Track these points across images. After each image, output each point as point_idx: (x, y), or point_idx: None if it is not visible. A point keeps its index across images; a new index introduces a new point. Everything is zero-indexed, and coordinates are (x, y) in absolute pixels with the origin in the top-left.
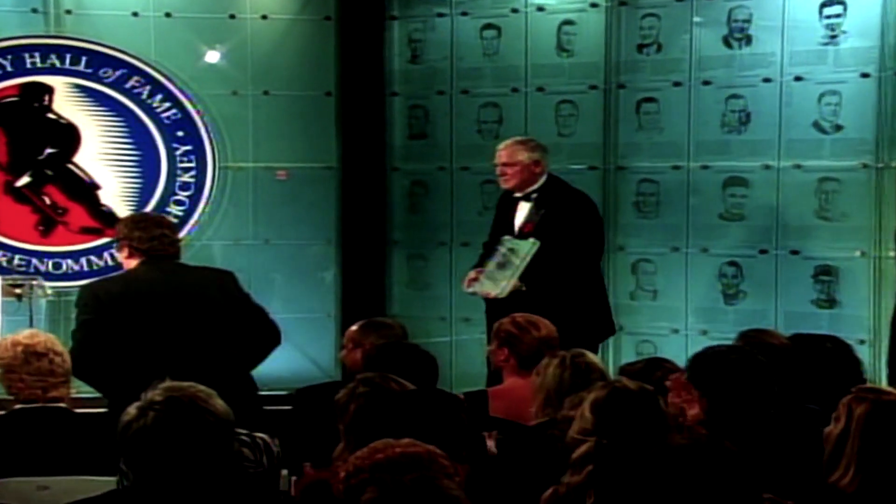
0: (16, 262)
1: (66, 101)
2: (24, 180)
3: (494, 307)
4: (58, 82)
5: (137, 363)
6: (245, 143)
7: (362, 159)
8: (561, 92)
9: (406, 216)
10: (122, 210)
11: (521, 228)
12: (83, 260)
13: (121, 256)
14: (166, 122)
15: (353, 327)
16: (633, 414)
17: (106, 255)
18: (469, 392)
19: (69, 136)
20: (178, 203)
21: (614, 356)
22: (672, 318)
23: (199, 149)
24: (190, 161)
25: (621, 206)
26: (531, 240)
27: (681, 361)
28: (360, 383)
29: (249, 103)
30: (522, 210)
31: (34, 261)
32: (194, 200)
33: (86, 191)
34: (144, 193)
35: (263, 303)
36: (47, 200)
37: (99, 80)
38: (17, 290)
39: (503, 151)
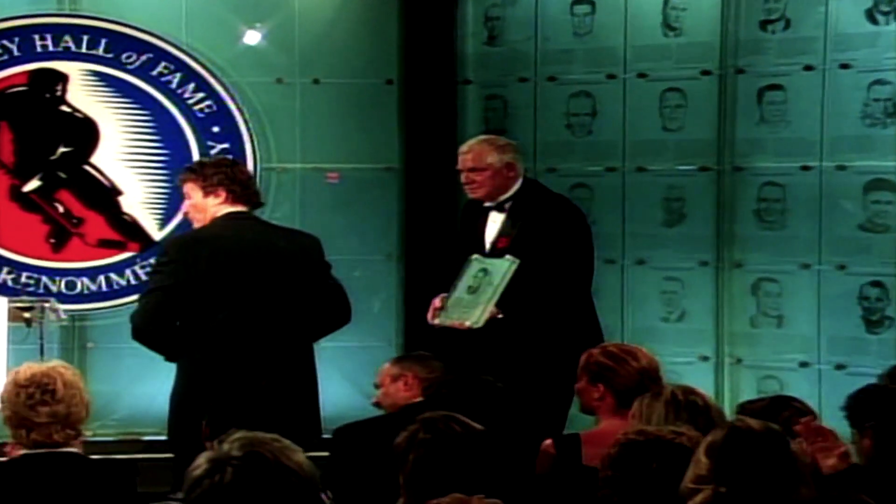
0: (23, 280)
1: (83, 92)
2: (34, 185)
3: (465, 341)
4: (73, 69)
5: (211, 331)
6: (291, 140)
7: (429, 159)
8: (667, 78)
9: None
10: (147, 219)
11: (493, 244)
12: (101, 278)
13: (205, 203)
14: (199, 115)
15: (386, 364)
16: (758, 459)
17: (128, 272)
18: (558, 436)
19: (86, 133)
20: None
21: (731, 393)
22: (801, 348)
23: (238, 147)
24: None
25: (739, 214)
26: (508, 258)
27: (812, 401)
28: (421, 427)
29: (297, 93)
30: (494, 222)
31: (44, 279)
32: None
33: (105, 197)
34: (173, 199)
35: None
36: (60, 208)
37: (121, 67)
38: (26, 315)
39: (468, 155)
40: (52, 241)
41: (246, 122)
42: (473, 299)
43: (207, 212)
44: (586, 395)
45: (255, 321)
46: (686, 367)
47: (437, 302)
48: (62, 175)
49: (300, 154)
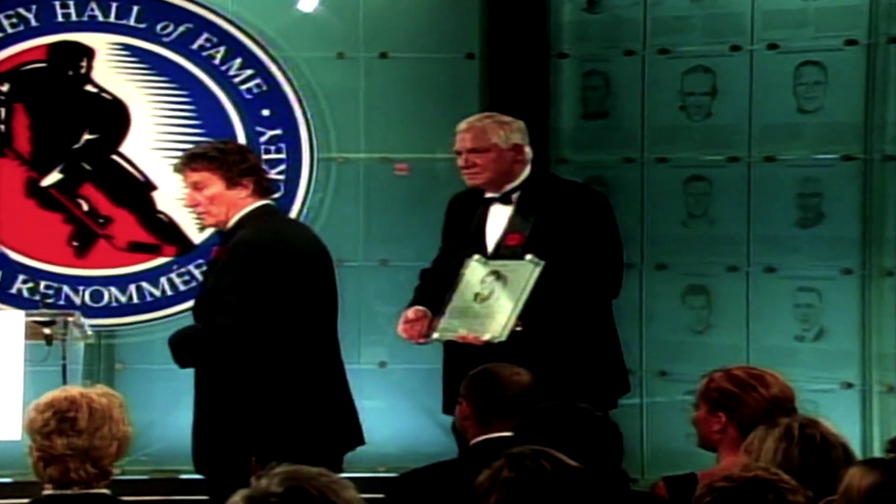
0: (42, 290)
1: (111, 69)
2: (54, 178)
3: (466, 357)
4: (100, 42)
5: (268, 352)
6: (354, 125)
7: None
8: (804, 50)
9: None
10: (186, 219)
11: (500, 243)
12: (132, 288)
13: (229, 196)
14: (247, 96)
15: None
16: None
17: (163, 281)
18: (671, 477)
19: (114, 117)
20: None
21: (881, 426)
22: None
23: (292, 133)
24: (279, 150)
25: (890, 212)
26: (530, 258)
27: None
28: (506, 464)
29: (361, 70)
30: (498, 217)
31: (66, 289)
32: (283, 205)
33: (137, 192)
34: None
35: (377, 349)
36: (84, 206)
37: (155, 39)
38: (46, 331)
39: (468, 133)
40: (75, 244)
41: (301, 104)
42: (487, 309)
43: (230, 206)
44: (705, 427)
45: (315, 339)
46: (826, 395)
47: (409, 314)
48: (87, 167)
49: (364, 142)
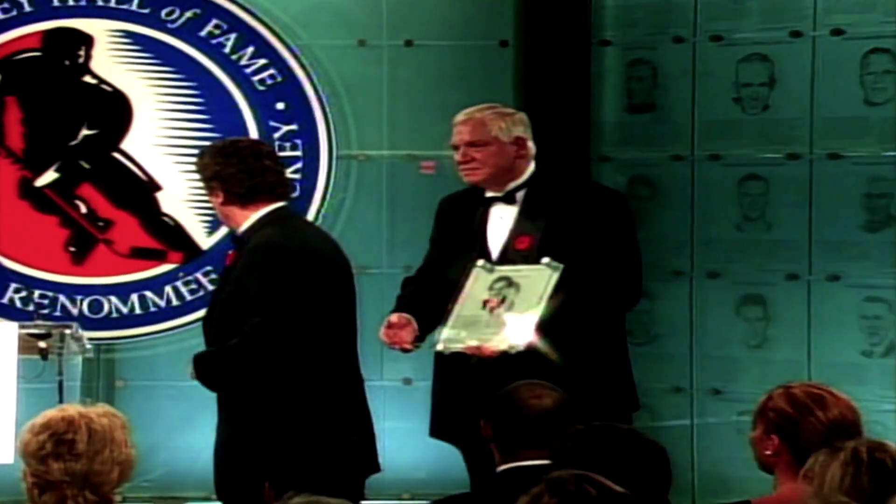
0: (36, 300)
1: (112, 58)
2: (49, 177)
3: (460, 371)
4: (99, 29)
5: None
6: (377, 119)
7: (555, 146)
8: (871, 36)
9: None
10: (193, 222)
11: (507, 246)
12: (134, 297)
13: (224, 207)
14: (260, 88)
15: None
16: None
17: (169, 290)
18: None
19: (115, 111)
20: None
21: None
22: None
23: (309, 128)
24: (294, 147)
25: None
26: (546, 262)
27: None
28: (546, 490)
29: (384, 59)
30: (501, 217)
31: (63, 298)
32: (299, 207)
33: (140, 193)
34: None
35: (401, 364)
36: (83, 208)
37: (160, 26)
38: (41, 344)
39: (466, 126)
40: (73, 249)
41: (319, 96)
42: (499, 317)
43: (239, 214)
44: (759, 448)
45: (334, 353)
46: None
47: (393, 318)
48: (85, 165)
49: (388, 138)
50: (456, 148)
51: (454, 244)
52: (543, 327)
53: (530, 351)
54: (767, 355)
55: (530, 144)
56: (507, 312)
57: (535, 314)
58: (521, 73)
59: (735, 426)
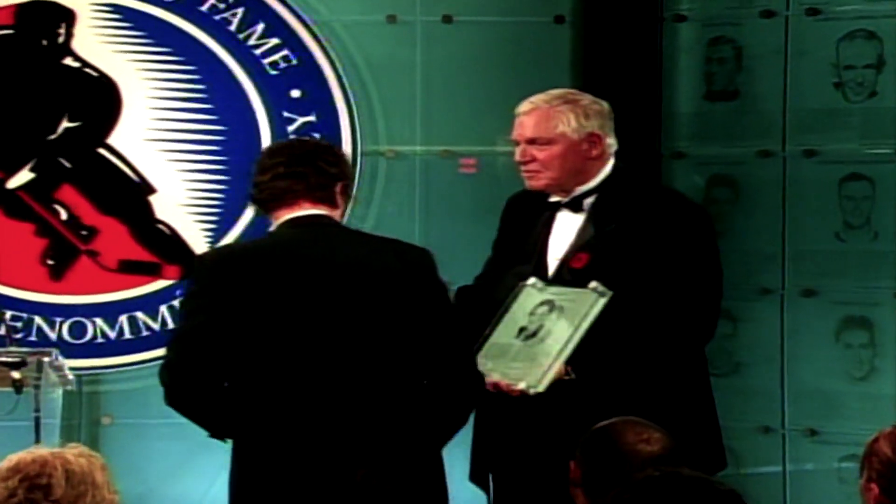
0: (8, 321)
1: (97, 37)
2: (24, 178)
3: (500, 408)
4: (82, 2)
5: (274, 396)
6: (409, 109)
7: (620, 141)
8: None
9: None
10: (193, 231)
11: (563, 264)
12: (123, 319)
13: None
14: (272, 72)
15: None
16: None
17: (164, 310)
18: None
19: (101, 100)
20: None
21: None
22: None
23: (329, 120)
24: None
25: None
26: (594, 286)
27: None
28: None
29: (418, 38)
30: (565, 229)
31: (39, 321)
32: None
33: (130, 196)
34: (231, 199)
35: None
36: (63, 213)
37: (155, 0)
38: (15, 374)
39: (529, 118)
40: (51, 262)
41: (341, 82)
42: (530, 349)
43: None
44: (865, 495)
45: (340, 380)
46: None
47: None
48: (66, 163)
49: (421, 131)
50: (517, 143)
51: (514, 252)
52: (584, 362)
53: (580, 391)
54: (874, 389)
55: (609, 142)
56: (539, 343)
57: (565, 348)
58: (580, 55)
59: (836, 474)
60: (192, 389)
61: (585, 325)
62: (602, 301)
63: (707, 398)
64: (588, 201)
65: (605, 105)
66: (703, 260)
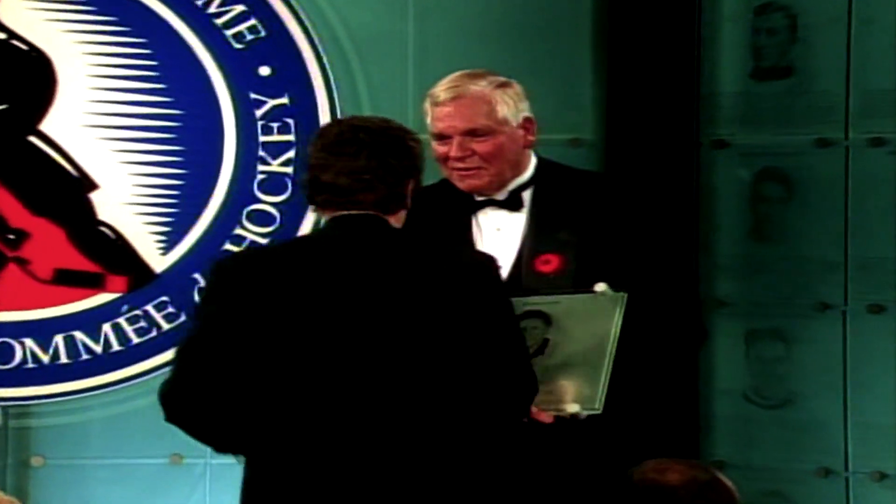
0: None
1: (27, 4)
2: None
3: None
4: None
5: (282, 421)
6: (399, 90)
7: (650, 126)
8: None
9: (746, 245)
10: (142, 235)
11: (523, 268)
12: (59, 340)
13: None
14: (236, 46)
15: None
16: None
17: (107, 329)
18: None
19: (32, 78)
20: (260, 219)
21: None
22: None
23: (305, 103)
24: (285, 129)
25: None
26: (602, 288)
27: None
28: None
29: (410, 7)
30: (499, 229)
31: None
32: (293, 214)
33: (67, 194)
34: (189, 198)
35: None
36: None
37: None
38: None
39: (456, 105)
40: None
41: (319, 58)
42: (550, 370)
43: None
44: None
45: (356, 405)
46: None
47: None
48: None
49: (415, 116)
50: (440, 137)
51: None
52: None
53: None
54: None
55: (533, 127)
56: (558, 362)
57: (607, 362)
58: (603, 25)
59: None
60: (193, 402)
61: (615, 333)
62: (621, 304)
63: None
64: (526, 195)
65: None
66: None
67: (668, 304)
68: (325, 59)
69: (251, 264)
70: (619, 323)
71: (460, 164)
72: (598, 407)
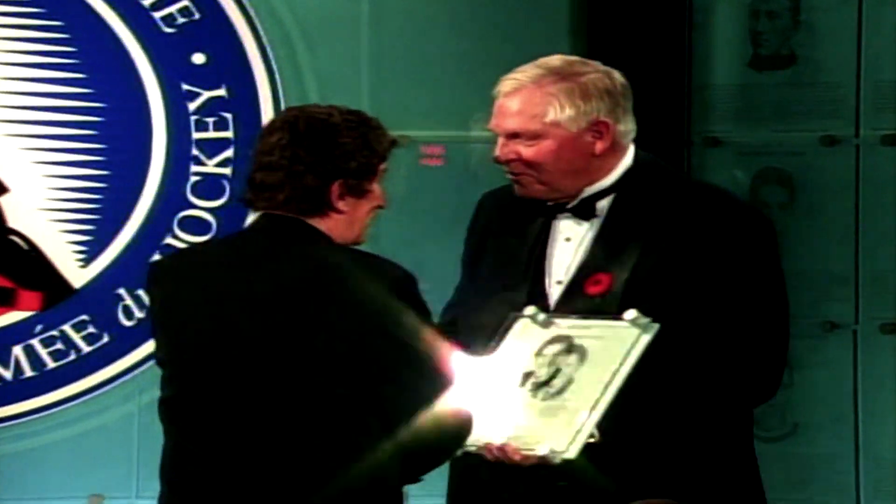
0: None
1: None
2: None
3: (489, 481)
4: None
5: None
6: (353, 82)
7: (636, 121)
8: None
9: None
10: (58, 246)
11: (574, 286)
12: None
13: None
14: (167, 30)
15: None
16: None
17: (18, 351)
18: None
19: None
20: (194, 227)
21: None
22: None
23: (245, 94)
24: (222, 125)
25: None
26: (633, 315)
27: None
28: None
29: None
30: (570, 239)
31: None
32: (230, 221)
33: None
34: (113, 203)
35: None
36: None
37: None
38: None
39: (509, 99)
40: None
41: (261, 45)
42: (545, 402)
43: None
44: None
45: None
46: None
47: None
48: None
49: (370, 110)
50: (496, 135)
51: (497, 272)
52: (613, 418)
53: (606, 455)
54: None
55: (621, 128)
56: (561, 395)
57: (601, 400)
58: (583, 9)
59: None
60: None
61: (626, 369)
62: (646, 338)
63: (750, 469)
64: (602, 205)
65: (618, 77)
66: (768, 288)
67: (744, 352)
68: (267, 46)
69: (167, 264)
70: (634, 357)
71: (507, 168)
72: (574, 454)
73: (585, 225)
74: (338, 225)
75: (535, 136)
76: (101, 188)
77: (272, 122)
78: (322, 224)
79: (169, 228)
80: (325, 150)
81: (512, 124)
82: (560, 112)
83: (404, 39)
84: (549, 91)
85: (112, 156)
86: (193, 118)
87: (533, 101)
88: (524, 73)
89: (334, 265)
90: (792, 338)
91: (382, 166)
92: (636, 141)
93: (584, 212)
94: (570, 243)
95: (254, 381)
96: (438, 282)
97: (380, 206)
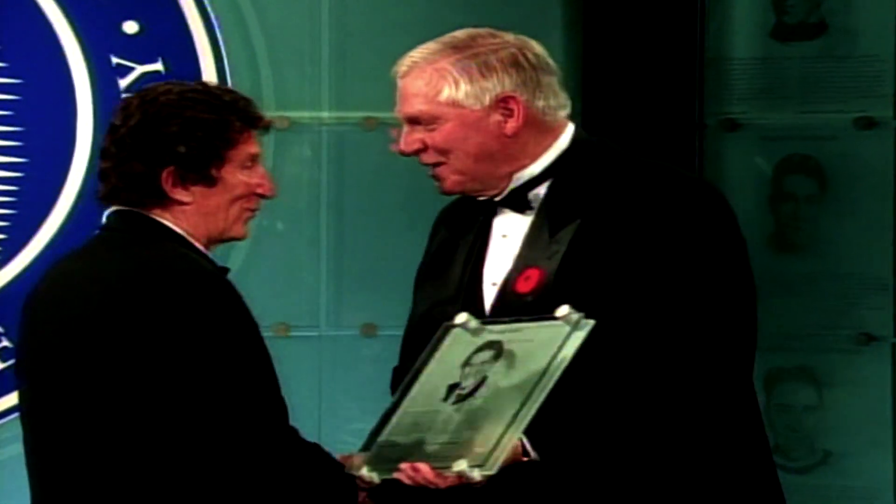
0: None
1: None
2: None
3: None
4: None
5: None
6: (312, 56)
7: (633, 103)
8: None
9: (765, 257)
10: None
11: (507, 287)
12: None
13: None
14: None
15: None
16: None
17: None
18: None
19: None
20: None
21: None
22: None
23: (185, 69)
24: None
25: None
26: (564, 312)
27: None
28: None
29: None
30: (506, 235)
31: None
32: None
33: None
34: (31, 197)
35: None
36: None
37: None
38: None
39: (403, 81)
40: None
41: (205, 12)
42: (466, 415)
43: None
44: None
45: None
46: None
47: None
48: None
49: (331, 89)
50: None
51: (434, 286)
52: (545, 429)
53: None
54: None
55: (539, 105)
56: (482, 408)
57: (526, 411)
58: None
59: None
60: None
61: (556, 371)
62: (579, 335)
63: (771, 468)
64: (537, 193)
65: (534, 47)
66: (722, 276)
67: (694, 341)
68: (211, 15)
69: (35, 288)
70: (564, 358)
71: (421, 162)
72: (494, 470)
73: (523, 218)
74: (188, 217)
75: (433, 119)
76: (18, 179)
77: (117, 104)
78: (167, 217)
79: (96, 227)
80: (147, 133)
81: (408, 108)
82: (455, 89)
83: (367, 9)
84: (441, 67)
85: (30, 141)
86: (124, 96)
87: (426, 80)
88: (419, 51)
89: (133, 277)
90: (822, 352)
91: (240, 151)
92: (634, 125)
93: (518, 204)
94: (506, 240)
95: (56, 406)
96: (408, 274)
97: (259, 195)
